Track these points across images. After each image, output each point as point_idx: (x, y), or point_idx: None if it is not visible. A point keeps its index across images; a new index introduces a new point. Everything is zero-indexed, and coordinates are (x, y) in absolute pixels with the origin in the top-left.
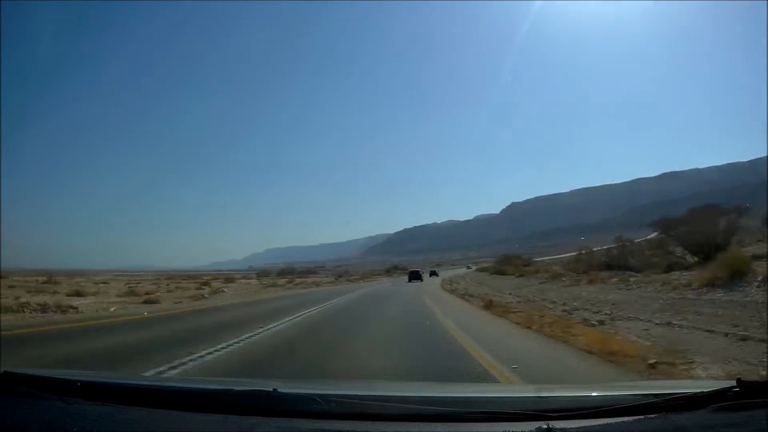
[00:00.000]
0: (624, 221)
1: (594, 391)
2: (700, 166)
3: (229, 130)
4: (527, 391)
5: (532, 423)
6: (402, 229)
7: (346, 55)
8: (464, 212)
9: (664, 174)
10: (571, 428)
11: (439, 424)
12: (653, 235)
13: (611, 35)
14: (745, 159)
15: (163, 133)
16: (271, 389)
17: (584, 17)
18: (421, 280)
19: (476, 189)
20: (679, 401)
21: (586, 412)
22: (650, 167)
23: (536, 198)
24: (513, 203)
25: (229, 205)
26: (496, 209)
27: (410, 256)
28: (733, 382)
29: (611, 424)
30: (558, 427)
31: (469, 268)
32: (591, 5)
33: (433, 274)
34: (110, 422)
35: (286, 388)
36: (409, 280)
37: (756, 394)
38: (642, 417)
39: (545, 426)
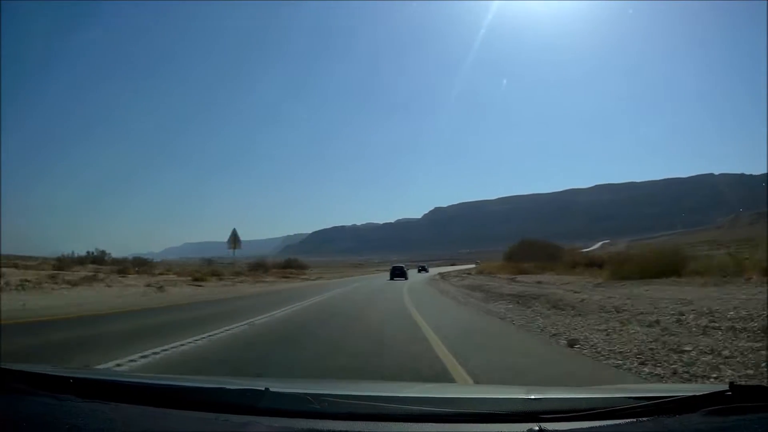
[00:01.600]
0: (553, 230)
1: (586, 393)
2: (637, 180)
3: (154, 122)
4: (519, 393)
5: (524, 425)
6: (320, 229)
7: (275, 49)
8: (386, 215)
9: (599, 185)
10: (563, 430)
11: (431, 424)
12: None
13: (555, 47)
14: (685, 175)
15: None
16: (264, 388)
17: (531, 26)
18: (406, 278)
19: (399, 192)
20: (672, 404)
21: (578, 414)
22: (585, 179)
23: (461, 204)
24: (436, 208)
25: (147, 196)
26: (418, 213)
27: (327, 256)
28: (726, 386)
29: (603, 426)
30: (549, 428)
31: (423, 270)
32: (538, 17)
33: (422, 269)
34: (102, 419)
35: (278, 386)
36: (391, 278)
37: (748, 398)
38: (634, 420)
39: (537, 428)
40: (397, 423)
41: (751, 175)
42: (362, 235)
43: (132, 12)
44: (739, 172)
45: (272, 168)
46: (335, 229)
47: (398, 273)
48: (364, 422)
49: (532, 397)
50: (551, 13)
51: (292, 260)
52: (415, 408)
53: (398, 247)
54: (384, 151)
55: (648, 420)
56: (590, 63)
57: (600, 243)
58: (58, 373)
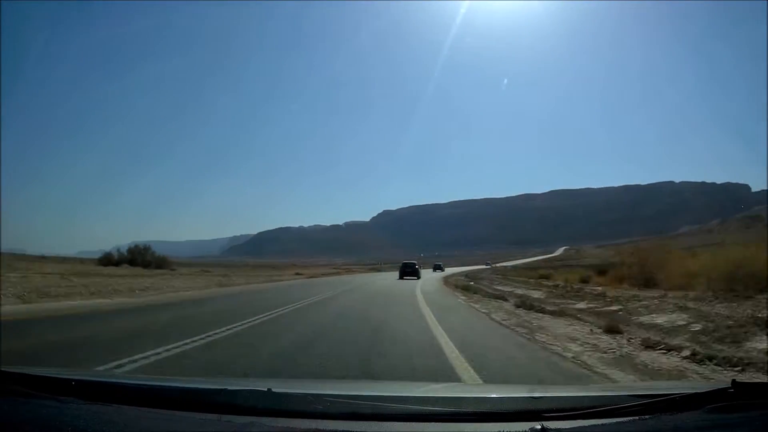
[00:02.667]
0: (508, 236)
1: (588, 391)
2: (594, 186)
3: (105, 116)
4: (522, 391)
5: (527, 423)
6: (265, 230)
7: (223, 51)
8: (334, 217)
9: (554, 191)
10: (566, 428)
11: (433, 423)
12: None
13: (511, 52)
14: (644, 182)
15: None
16: (266, 389)
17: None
18: (418, 277)
19: (348, 194)
20: (675, 402)
21: (580, 413)
22: (540, 184)
23: (411, 207)
24: (385, 211)
25: (98, 193)
26: (367, 216)
27: (272, 257)
28: (728, 383)
29: (606, 424)
30: (552, 427)
31: (439, 269)
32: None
33: (437, 268)
34: (104, 421)
35: (280, 387)
36: (401, 277)
37: (751, 395)
38: (637, 418)
39: (539, 426)
40: (399, 423)
41: (713, 183)
42: (308, 236)
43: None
44: (699, 180)
45: (219, 167)
46: (281, 230)
47: (409, 271)
48: (367, 422)
49: (535, 395)
50: (507, 17)
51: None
52: (418, 408)
53: (345, 250)
54: (334, 152)
55: (650, 418)
56: (547, 68)
57: (562, 249)
58: (60, 376)
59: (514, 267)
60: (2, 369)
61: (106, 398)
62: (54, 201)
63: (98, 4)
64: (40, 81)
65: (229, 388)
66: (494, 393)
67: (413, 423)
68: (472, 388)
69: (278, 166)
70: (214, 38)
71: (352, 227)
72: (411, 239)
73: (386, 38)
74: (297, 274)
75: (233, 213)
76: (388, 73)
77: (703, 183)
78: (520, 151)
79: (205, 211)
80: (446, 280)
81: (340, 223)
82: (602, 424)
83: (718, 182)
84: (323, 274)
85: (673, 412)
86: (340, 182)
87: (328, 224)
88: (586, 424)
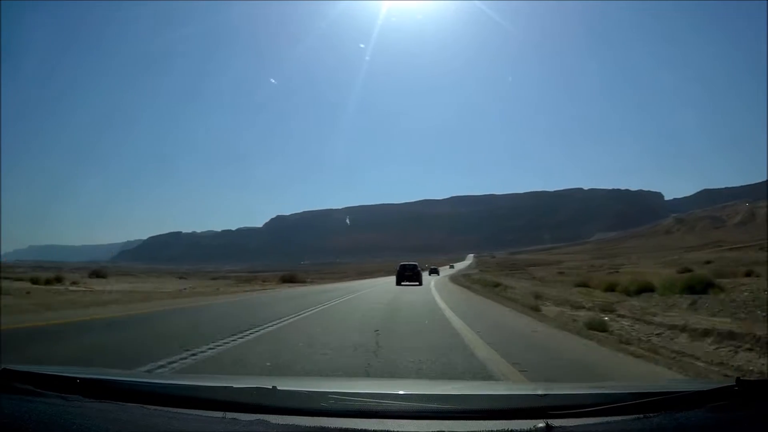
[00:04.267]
0: (408, 243)
1: (593, 389)
2: (497, 192)
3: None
4: (526, 389)
5: (531, 421)
6: (157, 234)
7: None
8: (226, 223)
9: (455, 197)
10: (570, 426)
11: (439, 421)
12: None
13: (416, 54)
14: (551, 189)
15: None
16: (271, 386)
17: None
18: (420, 282)
19: (241, 199)
20: (679, 400)
21: (585, 411)
22: (441, 190)
23: (305, 212)
24: (278, 216)
25: None
26: (259, 222)
27: (163, 263)
28: (733, 381)
29: (610, 422)
30: (557, 425)
31: (435, 273)
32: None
33: (433, 272)
34: (110, 419)
35: (285, 385)
36: (399, 282)
37: (755, 393)
38: (641, 416)
39: (544, 424)
40: (404, 420)
41: (627, 190)
42: (199, 242)
43: None
44: (610, 187)
45: (115, 168)
46: (171, 234)
47: (409, 276)
48: (373, 420)
49: (539, 393)
50: (410, 22)
51: None
52: (423, 405)
53: (237, 256)
54: (229, 156)
55: (655, 416)
56: (449, 73)
57: (471, 255)
58: (65, 374)
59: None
60: (8, 367)
61: (111, 396)
62: None
63: None
64: None
65: (234, 385)
66: (499, 390)
67: (418, 421)
68: (476, 386)
69: (172, 169)
70: (117, 38)
71: (245, 233)
72: (302, 245)
73: (284, 41)
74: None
75: (128, 216)
76: (281, 76)
77: (617, 190)
78: (419, 156)
79: (100, 213)
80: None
81: (233, 229)
82: (607, 422)
83: (632, 189)
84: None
85: (677, 410)
86: (233, 187)
87: (220, 230)
88: (591, 422)
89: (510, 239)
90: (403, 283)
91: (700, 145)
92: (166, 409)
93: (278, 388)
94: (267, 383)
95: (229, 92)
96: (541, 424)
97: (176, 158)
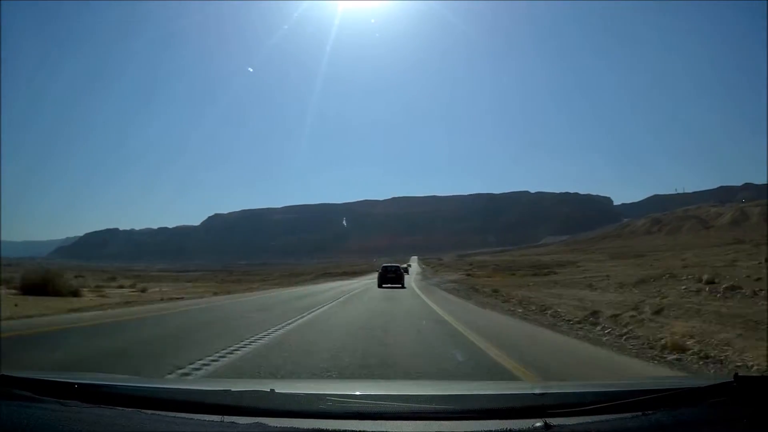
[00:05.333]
0: (348, 245)
1: (592, 387)
2: (439, 194)
3: None
4: (525, 388)
5: (530, 420)
6: (92, 231)
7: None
8: (164, 220)
9: (396, 198)
10: (569, 424)
11: (437, 422)
12: None
13: (357, 51)
14: (497, 192)
15: None
16: (269, 389)
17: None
18: (403, 285)
19: (178, 197)
20: (677, 397)
21: (583, 409)
22: (382, 190)
23: (243, 211)
24: (216, 215)
25: None
26: (196, 221)
27: (100, 261)
28: (731, 378)
29: (609, 420)
30: (555, 423)
31: (405, 272)
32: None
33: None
34: (107, 425)
35: (283, 388)
36: (380, 284)
37: (753, 389)
38: (639, 413)
39: (542, 423)
40: (403, 422)
41: (576, 193)
42: (137, 240)
43: None
44: (558, 191)
45: (56, 165)
46: (108, 231)
47: (391, 278)
48: (371, 422)
49: (537, 392)
50: (365, 21)
51: None
52: (421, 406)
53: (173, 255)
54: (166, 152)
55: (653, 413)
56: (397, 73)
57: (415, 257)
58: (63, 379)
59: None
60: (5, 373)
61: (109, 401)
62: None
63: None
64: None
65: (232, 389)
66: (497, 390)
67: (417, 422)
68: (475, 386)
69: (113, 165)
70: (66, 37)
71: (181, 231)
72: (239, 245)
73: (229, 41)
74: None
75: (67, 213)
76: (217, 73)
77: (566, 193)
78: (361, 157)
79: (40, 209)
80: None
81: (170, 227)
82: (605, 420)
83: (581, 193)
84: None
85: (675, 406)
86: (173, 184)
87: (156, 227)
88: (590, 420)
89: (455, 241)
90: (384, 286)
91: (650, 151)
92: (164, 413)
93: (276, 390)
94: (265, 386)
95: (168, 90)
96: (539, 423)
97: (116, 154)
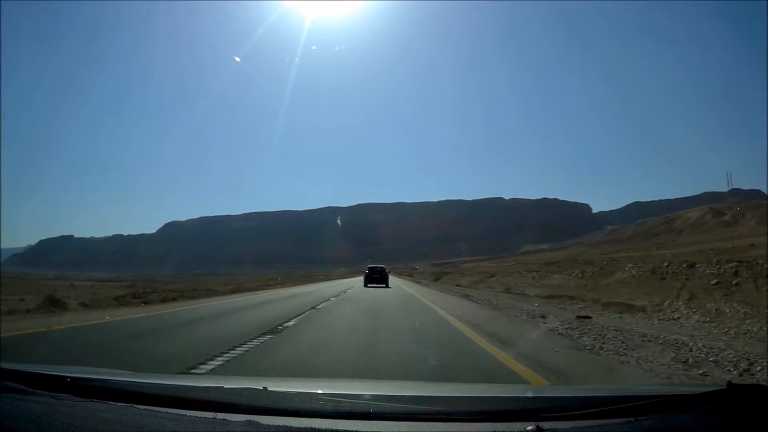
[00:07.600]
0: (310, 254)
1: (584, 392)
2: (407, 201)
3: None
4: (517, 391)
5: (522, 423)
6: (47, 237)
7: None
8: (119, 227)
9: (361, 204)
10: (561, 429)
11: (429, 423)
12: None
13: (324, 70)
14: (469, 198)
15: None
16: (262, 387)
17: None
18: (386, 285)
19: (134, 203)
20: (670, 403)
21: (575, 413)
22: (346, 197)
23: (201, 218)
24: (172, 222)
25: None
26: (152, 228)
27: (50, 269)
28: (724, 385)
29: (601, 425)
30: (547, 427)
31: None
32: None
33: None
34: (99, 419)
35: (276, 386)
36: (366, 284)
37: (746, 397)
38: (632, 419)
39: (534, 426)
40: (395, 422)
41: (555, 199)
42: (90, 247)
43: None
44: (536, 197)
45: (7, 169)
46: (63, 238)
47: (377, 278)
48: (363, 421)
49: (529, 395)
50: (339, 25)
51: None
52: (413, 407)
53: (128, 263)
54: (121, 156)
55: (645, 419)
56: (363, 80)
57: (382, 266)
58: (56, 373)
59: None
60: None
61: (102, 395)
62: None
63: None
64: None
65: (225, 386)
66: (489, 392)
67: (409, 422)
68: (467, 388)
69: (68, 170)
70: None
71: (136, 239)
72: (196, 253)
73: (191, 44)
74: None
75: (20, 219)
76: (177, 79)
77: (545, 199)
78: (325, 163)
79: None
80: None
81: (124, 234)
82: (597, 425)
83: (560, 198)
84: None
85: (668, 413)
86: (128, 190)
87: (111, 234)
88: (582, 425)
89: (425, 250)
90: (369, 285)
91: (629, 158)
92: (156, 409)
93: (269, 388)
94: (258, 384)
95: (126, 97)
96: (531, 426)
97: (74, 161)
